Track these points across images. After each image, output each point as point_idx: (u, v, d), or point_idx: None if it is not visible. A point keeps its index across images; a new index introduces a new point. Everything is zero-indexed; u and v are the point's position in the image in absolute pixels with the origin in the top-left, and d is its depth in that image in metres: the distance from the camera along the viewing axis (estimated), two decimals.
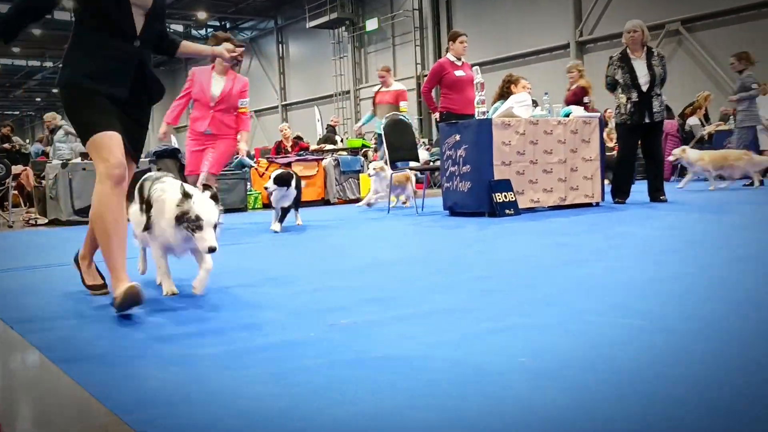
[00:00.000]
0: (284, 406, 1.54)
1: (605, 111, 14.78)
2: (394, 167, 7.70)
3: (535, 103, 7.43)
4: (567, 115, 7.06)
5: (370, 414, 1.46)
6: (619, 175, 7.41)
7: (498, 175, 6.35)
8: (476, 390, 1.58)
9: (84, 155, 9.02)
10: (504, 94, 7.46)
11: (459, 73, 7.55)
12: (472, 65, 7.51)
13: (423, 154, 11.44)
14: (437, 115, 7.76)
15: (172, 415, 1.52)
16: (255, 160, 11.43)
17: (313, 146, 12.60)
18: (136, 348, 2.13)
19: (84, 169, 8.22)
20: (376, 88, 9.59)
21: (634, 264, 3.34)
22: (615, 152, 8.64)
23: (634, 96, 7.00)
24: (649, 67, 7.01)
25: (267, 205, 10.29)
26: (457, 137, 6.53)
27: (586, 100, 7.85)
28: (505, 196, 6.26)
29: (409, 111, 9.01)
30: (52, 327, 2.51)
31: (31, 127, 61.32)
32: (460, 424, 1.39)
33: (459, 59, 7.66)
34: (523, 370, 1.71)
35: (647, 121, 7.03)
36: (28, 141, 35.92)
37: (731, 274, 2.94)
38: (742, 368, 1.65)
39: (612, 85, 7.21)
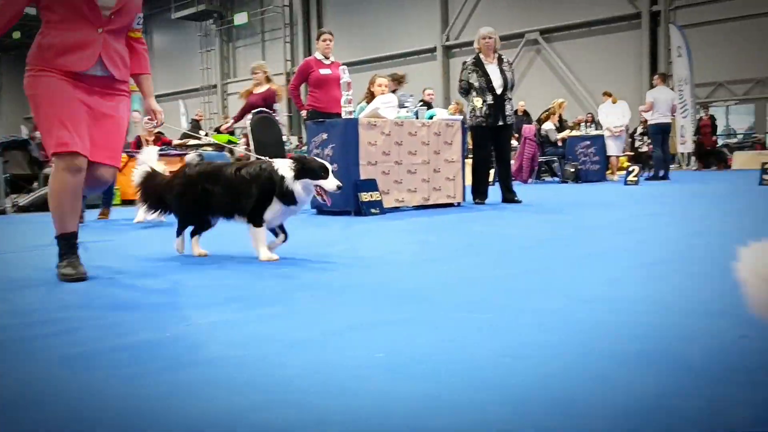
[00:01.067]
0: (128, 407, 1.48)
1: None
2: None
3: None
4: (431, 117, 7.27)
5: (222, 412, 1.44)
6: (477, 176, 7.68)
7: (364, 174, 6.43)
8: (333, 386, 1.59)
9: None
10: (369, 94, 7.56)
11: (325, 71, 7.56)
12: (342, 64, 7.55)
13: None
14: (304, 113, 7.74)
15: (14, 420, 1.43)
16: None
17: (176, 141, 12.17)
18: None
19: None
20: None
21: (488, 261, 3.49)
22: None
23: (489, 99, 7.29)
24: (501, 72, 7.37)
25: (126, 201, 9.85)
26: (324, 136, 6.55)
27: (276, 106, 7.93)
28: (371, 195, 6.35)
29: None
30: None
31: None
32: (316, 420, 1.40)
33: (327, 58, 7.67)
34: (379, 365, 1.75)
35: (501, 123, 7.37)
36: None
37: (579, 270, 3.14)
38: (583, 358, 1.76)
39: (466, 90, 7.46)
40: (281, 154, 7.77)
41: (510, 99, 7.51)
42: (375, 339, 2.00)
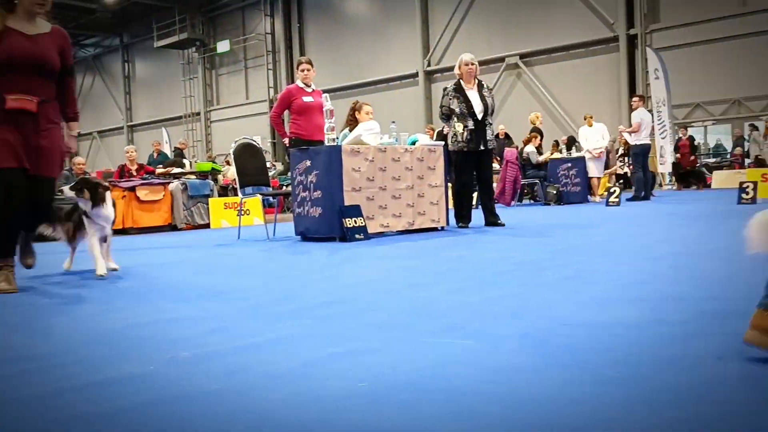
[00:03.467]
0: None
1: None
2: (243, 192, 7.62)
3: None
4: (413, 143, 7.32)
5: None
6: (460, 200, 7.72)
7: (348, 200, 6.45)
8: (316, 418, 1.59)
9: None
10: (351, 121, 7.59)
11: (307, 99, 7.58)
12: (323, 92, 7.60)
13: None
14: (286, 140, 7.74)
15: None
16: None
17: (160, 170, 12.16)
18: None
19: None
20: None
21: (469, 285, 3.51)
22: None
23: (471, 124, 7.36)
24: (482, 97, 7.46)
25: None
26: (308, 163, 6.58)
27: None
28: (355, 221, 6.37)
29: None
30: None
31: None
32: None
33: (308, 86, 7.70)
34: (362, 395, 1.75)
35: (482, 148, 7.44)
36: None
37: (558, 293, 3.17)
38: (561, 379, 1.78)
39: (447, 115, 7.53)
40: (265, 182, 7.79)
41: (491, 124, 7.61)
42: (358, 367, 2.00)
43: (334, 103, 6.87)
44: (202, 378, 1.97)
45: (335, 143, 6.62)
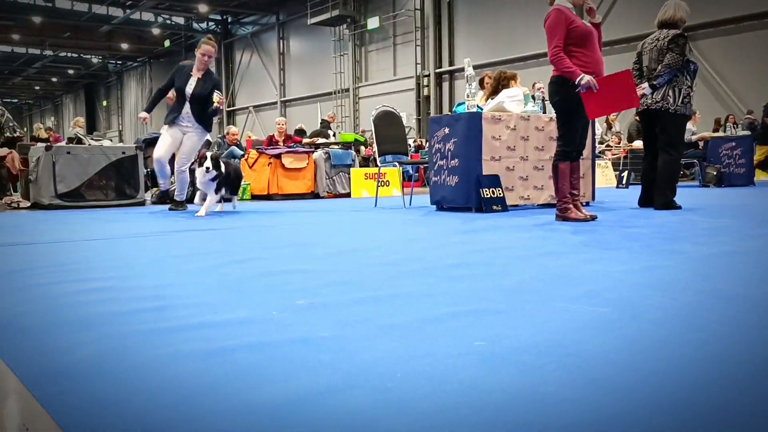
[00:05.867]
0: (205, 383, 1.40)
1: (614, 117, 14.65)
2: (382, 160, 7.58)
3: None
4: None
5: (300, 393, 1.33)
6: (675, 173, 6.30)
7: (487, 170, 6.22)
8: (421, 373, 1.44)
9: (70, 139, 8.90)
10: (497, 91, 7.30)
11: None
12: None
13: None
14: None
15: (81, 389, 1.38)
16: (246, 151, 11.28)
17: (306, 140, 12.46)
18: (69, 324, 1.99)
19: (68, 153, 8.08)
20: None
21: (612, 256, 3.20)
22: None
23: (693, 87, 6.23)
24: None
25: (255, 196, 10.17)
26: (447, 130, 6.40)
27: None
28: (493, 191, 6.13)
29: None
30: None
31: (29, 115, 61.18)
32: (393, 405, 1.25)
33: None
34: (477, 353, 1.58)
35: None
36: (26, 129, 35.85)
37: (716, 268, 2.81)
38: (709, 355, 1.52)
39: (678, 69, 6.13)
40: (403, 151, 7.71)
41: None
42: (477, 327, 1.83)
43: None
44: (310, 327, 1.88)
45: (475, 110, 6.39)
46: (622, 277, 2.61)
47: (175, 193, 7.36)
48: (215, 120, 7.73)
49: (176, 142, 7.00)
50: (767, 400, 1.25)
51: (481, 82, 7.51)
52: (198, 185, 6.52)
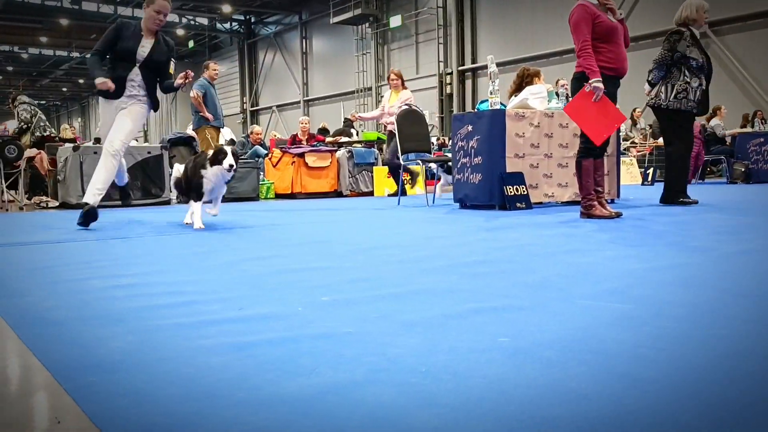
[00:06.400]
0: (232, 377, 1.42)
1: (634, 110, 14.42)
2: (405, 159, 7.58)
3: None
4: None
5: (324, 387, 1.34)
6: (683, 170, 6.34)
7: (510, 167, 6.20)
8: (445, 367, 1.45)
9: (97, 140, 9.01)
10: (521, 88, 7.27)
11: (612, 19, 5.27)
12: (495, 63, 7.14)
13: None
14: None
15: (111, 382, 1.41)
16: (269, 150, 11.35)
17: (329, 138, 12.50)
18: (99, 319, 2.03)
19: (95, 153, 8.18)
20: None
21: (636, 253, 3.18)
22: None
23: (704, 83, 6.18)
24: (707, 55, 6.28)
25: (279, 195, 10.22)
26: (470, 128, 6.39)
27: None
28: (517, 189, 6.11)
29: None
30: (16, 294, 2.43)
31: (56, 116, 62.07)
32: (416, 399, 1.26)
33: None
34: (500, 349, 1.58)
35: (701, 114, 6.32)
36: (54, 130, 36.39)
37: (736, 266, 2.78)
38: (730, 351, 1.50)
39: (672, 63, 6.17)
40: (426, 149, 7.70)
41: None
42: (500, 323, 1.83)
43: (506, 77, 6.55)
44: (334, 322, 1.89)
45: (499, 107, 6.36)
46: (646, 274, 2.59)
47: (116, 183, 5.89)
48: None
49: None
50: None
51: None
52: (207, 188, 5.02)
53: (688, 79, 6.12)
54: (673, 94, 6.15)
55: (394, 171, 8.80)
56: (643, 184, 11.62)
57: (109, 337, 1.77)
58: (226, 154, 4.87)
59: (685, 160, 6.33)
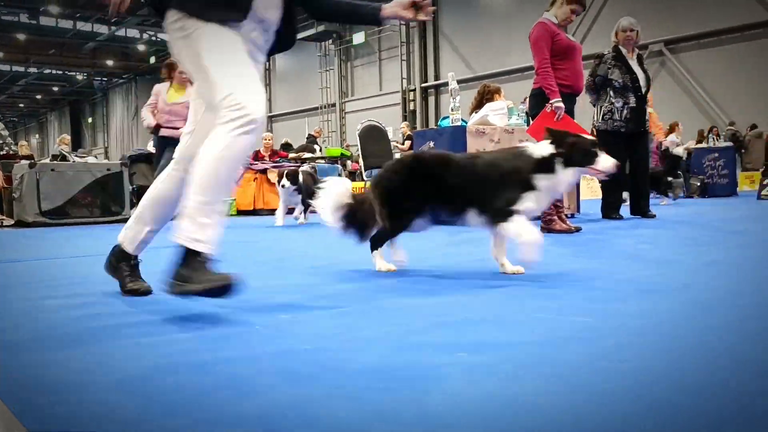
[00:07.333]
0: (188, 396, 1.40)
1: (592, 126, 14.73)
2: (368, 174, 7.60)
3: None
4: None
5: (282, 404, 1.33)
6: (610, 188, 6.63)
7: None
8: (403, 383, 1.45)
9: (54, 157, 8.87)
10: (482, 104, 7.34)
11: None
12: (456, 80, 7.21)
13: None
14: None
15: (66, 404, 1.38)
16: None
17: (292, 155, 12.48)
18: (54, 339, 1.99)
19: (53, 170, 8.04)
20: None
21: (596, 267, 3.23)
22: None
23: (632, 101, 6.36)
24: (644, 71, 6.47)
25: (241, 211, 10.15)
26: (432, 144, 6.44)
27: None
28: None
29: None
30: None
31: (14, 132, 60.85)
32: (373, 415, 1.26)
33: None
34: (459, 364, 1.59)
35: (641, 129, 6.48)
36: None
37: (697, 278, 2.84)
38: (691, 361, 1.54)
39: (599, 86, 6.48)
40: None
41: (647, 101, 6.56)
42: (459, 338, 1.84)
43: (468, 94, 6.65)
44: (293, 339, 1.89)
45: (460, 124, 6.43)
46: (605, 287, 2.64)
47: None
48: None
49: None
50: (753, 402, 1.27)
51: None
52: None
53: (613, 100, 6.40)
54: (600, 116, 6.47)
55: None
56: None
57: (63, 359, 1.73)
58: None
59: (613, 177, 6.48)
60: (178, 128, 6.87)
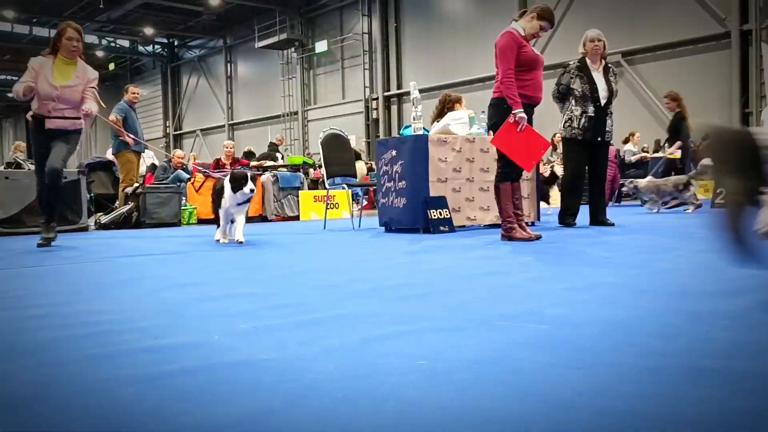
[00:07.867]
0: (146, 408, 1.38)
1: (554, 135, 14.91)
2: (332, 183, 7.59)
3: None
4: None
5: (241, 416, 1.32)
6: (567, 195, 6.82)
7: (434, 191, 6.30)
8: (363, 392, 1.46)
9: (9, 164, 8.67)
10: (443, 113, 7.39)
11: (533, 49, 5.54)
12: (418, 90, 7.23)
13: None
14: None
15: (16, 418, 1.35)
16: (191, 174, 11.16)
17: (254, 163, 12.39)
18: (6, 352, 1.95)
19: (7, 177, 7.87)
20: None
21: (554, 274, 3.28)
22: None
23: (591, 110, 6.50)
24: (607, 82, 6.59)
25: (202, 220, 10.04)
26: (394, 153, 6.47)
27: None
28: (440, 212, 6.20)
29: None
30: None
31: None
32: (332, 426, 1.26)
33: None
34: (418, 372, 1.60)
35: (599, 139, 6.59)
36: None
37: (655, 284, 2.90)
38: (644, 367, 1.57)
39: (563, 95, 6.64)
40: (351, 173, 7.74)
41: (611, 113, 6.69)
42: (419, 346, 1.85)
43: (430, 103, 6.70)
44: (256, 348, 1.88)
45: (422, 132, 6.47)
46: (564, 294, 2.68)
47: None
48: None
49: None
50: (706, 409, 1.30)
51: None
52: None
53: (573, 108, 6.57)
54: (562, 124, 6.67)
55: None
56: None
57: (16, 371, 1.70)
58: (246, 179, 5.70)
59: (571, 184, 6.83)
60: (67, 118, 5.68)
